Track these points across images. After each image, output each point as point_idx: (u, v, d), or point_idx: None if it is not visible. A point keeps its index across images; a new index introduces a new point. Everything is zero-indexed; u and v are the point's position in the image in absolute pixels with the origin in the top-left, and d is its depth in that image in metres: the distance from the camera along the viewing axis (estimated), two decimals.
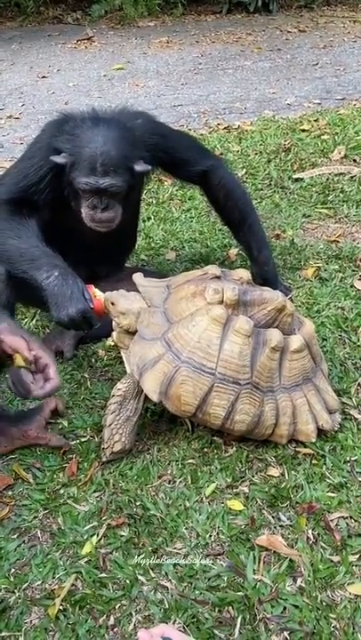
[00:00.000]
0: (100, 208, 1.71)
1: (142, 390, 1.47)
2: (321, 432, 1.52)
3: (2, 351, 1.33)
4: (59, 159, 1.69)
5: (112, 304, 1.57)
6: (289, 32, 6.53)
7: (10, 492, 1.44)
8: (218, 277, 1.53)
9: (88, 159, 1.65)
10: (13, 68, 5.51)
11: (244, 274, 1.57)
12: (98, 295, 1.62)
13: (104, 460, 1.49)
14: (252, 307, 1.49)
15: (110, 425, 1.48)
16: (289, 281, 2.19)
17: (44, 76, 5.24)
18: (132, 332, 1.56)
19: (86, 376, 1.80)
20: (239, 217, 2.05)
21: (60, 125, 1.75)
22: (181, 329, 1.45)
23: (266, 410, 1.46)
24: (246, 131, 3.62)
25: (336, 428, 1.55)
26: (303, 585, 1.21)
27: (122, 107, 1.87)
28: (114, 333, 1.61)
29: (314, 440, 1.50)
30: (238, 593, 1.20)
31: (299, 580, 1.22)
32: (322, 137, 3.42)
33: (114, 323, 1.59)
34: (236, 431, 1.47)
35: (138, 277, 1.62)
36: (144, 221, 2.61)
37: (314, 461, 1.48)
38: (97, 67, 5.51)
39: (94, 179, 1.66)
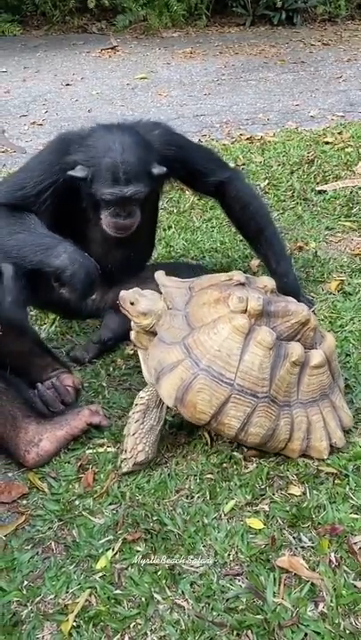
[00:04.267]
0: (123, 216, 1.71)
1: None
2: (338, 449, 1.49)
3: None
4: (78, 172, 1.66)
5: (131, 304, 1.51)
6: (313, 45, 6.53)
7: (24, 502, 1.41)
8: (243, 284, 1.50)
9: (110, 169, 1.64)
10: (38, 76, 5.56)
11: (269, 282, 1.53)
12: None
13: (125, 470, 1.45)
14: (275, 318, 1.45)
15: (134, 434, 1.44)
16: (312, 294, 2.15)
17: (67, 84, 5.28)
18: (150, 332, 1.52)
19: (104, 385, 1.78)
20: (256, 229, 2.02)
21: (66, 144, 1.74)
22: (202, 335, 1.42)
23: (281, 424, 1.42)
24: (269, 142, 3.60)
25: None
26: (325, 611, 1.16)
27: (139, 119, 1.87)
28: (132, 333, 1.56)
29: (326, 457, 1.46)
30: (258, 616, 1.15)
31: (321, 606, 1.18)
32: (345, 149, 3.39)
33: (132, 323, 1.56)
34: (249, 443, 1.44)
35: (160, 276, 1.57)
36: (165, 230, 2.59)
37: (337, 481, 1.43)
38: (120, 75, 5.54)
39: (119, 188, 1.65)
